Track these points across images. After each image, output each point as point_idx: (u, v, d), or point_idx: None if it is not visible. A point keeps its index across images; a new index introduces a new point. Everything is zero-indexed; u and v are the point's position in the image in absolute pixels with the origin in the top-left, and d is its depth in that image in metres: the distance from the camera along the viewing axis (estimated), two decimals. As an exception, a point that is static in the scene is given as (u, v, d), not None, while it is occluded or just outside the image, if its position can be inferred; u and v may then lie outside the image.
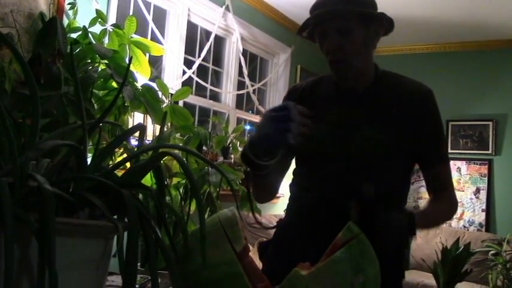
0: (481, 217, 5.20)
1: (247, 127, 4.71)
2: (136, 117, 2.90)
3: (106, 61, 2.10)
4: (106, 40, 2.32)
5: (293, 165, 1.63)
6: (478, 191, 5.25)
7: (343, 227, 0.98)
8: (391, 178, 1.43)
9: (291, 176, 1.61)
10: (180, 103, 3.67)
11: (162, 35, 3.64)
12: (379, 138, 1.40)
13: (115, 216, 0.68)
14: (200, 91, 4.18)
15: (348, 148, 1.41)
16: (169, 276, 0.69)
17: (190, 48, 4.02)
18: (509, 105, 5.18)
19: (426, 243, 5.04)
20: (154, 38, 3.46)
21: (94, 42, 2.26)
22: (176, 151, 0.92)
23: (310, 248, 1.10)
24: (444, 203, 1.53)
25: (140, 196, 0.84)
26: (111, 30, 2.29)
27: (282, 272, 0.93)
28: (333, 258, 0.89)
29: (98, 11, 2.40)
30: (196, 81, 3.97)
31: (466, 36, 5.19)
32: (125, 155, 1.87)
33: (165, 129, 2.69)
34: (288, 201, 1.61)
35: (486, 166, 5.24)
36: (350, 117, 1.44)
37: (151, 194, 0.68)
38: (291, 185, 1.59)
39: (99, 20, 2.36)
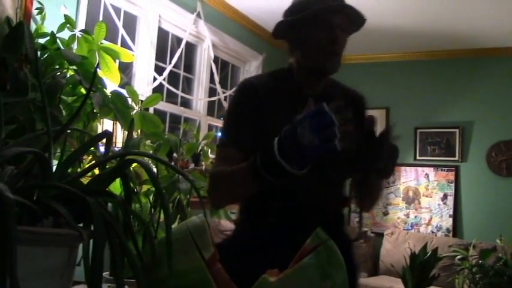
0: (448, 222, 5.30)
1: (219, 134, 4.71)
2: (106, 124, 2.87)
3: (75, 67, 2.07)
4: (75, 46, 2.29)
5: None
6: (445, 197, 5.36)
7: (307, 228, 0.99)
8: (339, 173, 1.53)
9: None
10: (151, 110, 3.64)
11: (133, 41, 3.62)
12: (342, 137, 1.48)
13: (80, 225, 0.67)
14: (171, 98, 4.16)
15: None
16: (136, 285, 0.68)
17: (161, 54, 4.00)
18: (475, 113, 5.31)
19: (395, 248, 5.11)
20: (124, 44, 3.44)
21: (62, 47, 2.22)
22: (144, 158, 0.92)
23: (277, 254, 1.11)
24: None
25: (111, 204, 0.84)
26: (80, 36, 2.26)
27: (249, 278, 0.94)
28: (301, 265, 0.90)
29: (66, 17, 2.37)
30: (167, 88, 3.95)
31: (434, 46, 5.30)
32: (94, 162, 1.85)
33: (135, 136, 2.67)
34: (245, 204, 1.57)
35: (453, 172, 5.35)
36: None
37: (118, 202, 0.67)
38: None
39: (68, 25, 2.33)
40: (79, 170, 1.63)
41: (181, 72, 4.31)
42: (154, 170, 2.39)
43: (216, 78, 4.43)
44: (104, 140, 0.89)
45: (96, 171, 0.86)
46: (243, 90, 1.55)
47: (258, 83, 1.56)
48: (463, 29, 4.75)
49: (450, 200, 5.32)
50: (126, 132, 2.80)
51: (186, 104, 4.39)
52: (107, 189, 0.76)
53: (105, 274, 1.36)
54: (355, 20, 1.54)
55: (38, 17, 2.51)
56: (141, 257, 0.70)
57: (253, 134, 1.46)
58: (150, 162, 1.47)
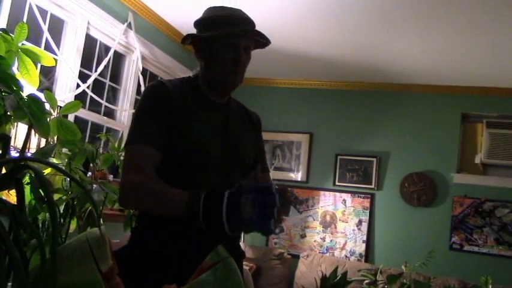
0: (361, 248, 5.48)
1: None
2: (21, 128, 2.76)
3: (-11, 66, 1.98)
4: (-8, 45, 2.20)
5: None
6: (360, 222, 5.54)
7: (209, 242, 1.01)
8: (247, 176, 1.57)
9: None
10: (72, 117, 3.54)
11: (58, 45, 3.51)
12: (246, 142, 1.65)
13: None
14: (95, 106, 4.07)
15: (232, 150, 1.58)
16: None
17: (87, 62, 3.91)
18: (391, 144, 5.57)
19: (309, 271, 5.22)
20: (48, 48, 3.33)
21: (-22, 45, 2.13)
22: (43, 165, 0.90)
23: (177, 268, 1.12)
24: None
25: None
26: (-2, 35, 2.17)
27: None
28: (198, 281, 0.91)
29: (-15, 14, 2.27)
30: (91, 97, 3.85)
31: (357, 77, 5.54)
32: None
33: (52, 142, 2.58)
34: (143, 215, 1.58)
35: (369, 200, 5.55)
36: (225, 124, 1.61)
37: (7, 209, 0.65)
38: None
39: (-14, 23, 2.23)
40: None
41: (107, 82, 4.22)
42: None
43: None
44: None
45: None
46: (156, 89, 1.56)
47: (171, 85, 1.60)
48: (384, 63, 5.00)
49: (364, 226, 5.51)
50: (41, 138, 2.70)
51: (110, 114, 4.30)
52: None
53: None
54: (261, 42, 1.63)
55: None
56: (27, 268, 0.68)
57: (165, 134, 1.48)
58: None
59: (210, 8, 1.63)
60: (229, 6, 1.67)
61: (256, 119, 1.75)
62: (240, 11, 1.62)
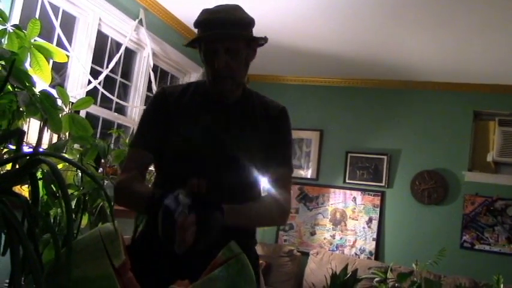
0: (371, 245, 5.46)
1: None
2: (33, 124, 2.78)
3: (3, 62, 2.00)
4: (6, 41, 2.21)
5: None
6: (370, 220, 5.52)
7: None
8: (245, 175, 1.60)
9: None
10: (83, 113, 3.56)
11: (69, 42, 3.53)
12: (243, 143, 1.60)
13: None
14: (106, 103, 4.08)
15: (221, 150, 1.57)
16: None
17: (98, 58, 3.92)
18: (403, 142, 5.54)
19: (319, 268, 5.21)
20: (60, 44, 3.35)
21: (-9, 41, 2.14)
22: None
23: (191, 265, 1.12)
24: (267, 203, 1.62)
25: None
26: (11, 31, 2.19)
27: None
28: (210, 276, 0.91)
29: (-2, 10, 2.28)
30: (102, 93, 3.87)
31: (368, 74, 5.51)
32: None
33: (63, 138, 2.60)
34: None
35: (379, 197, 5.53)
36: (219, 125, 1.61)
37: (21, 202, 0.66)
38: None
39: (-1, 19, 2.25)
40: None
41: (118, 78, 4.24)
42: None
43: (154, 87, 4.39)
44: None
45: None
46: (155, 96, 1.71)
47: (171, 91, 1.69)
48: (396, 60, 4.97)
49: (375, 224, 5.49)
50: (53, 134, 2.72)
51: (120, 110, 4.32)
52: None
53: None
54: (251, 41, 1.60)
55: (-32, 8, 2.40)
56: (41, 261, 0.69)
57: (160, 136, 1.58)
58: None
59: (204, 10, 1.62)
60: (229, 4, 1.63)
61: (274, 113, 1.68)
62: (230, 10, 1.57)
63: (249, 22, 1.59)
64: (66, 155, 2.30)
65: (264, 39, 1.61)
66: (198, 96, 1.66)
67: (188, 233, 1.14)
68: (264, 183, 1.67)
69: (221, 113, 1.63)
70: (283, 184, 1.64)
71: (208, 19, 1.55)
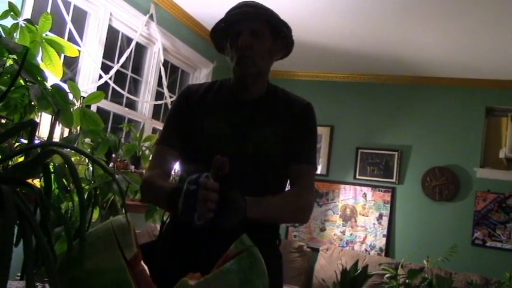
0: (381, 242, 5.44)
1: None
2: (45, 118, 2.79)
3: (15, 56, 2.01)
4: (18, 35, 2.22)
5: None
6: (380, 217, 5.50)
7: (235, 234, 1.00)
8: (268, 172, 1.59)
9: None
10: (94, 108, 3.57)
11: (81, 36, 3.54)
12: (266, 139, 1.59)
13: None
14: (117, 98, 4.10)
15: (244, 147, 1.56)
16: (49, 283, 0.66)
17: (109, 53, 3.93)
18: (413, 138, 5.51)
19: (329, 264, 5.20)
20: (71, 39, 3.36)
21: (3, 35, 2.15)
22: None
23: (203, 258, 1.12)
24: (288, 198, 1.61)
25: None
26: (23, 25, 2.19)
27: (171, 281, 0.93)
28: (222, 269, 0.90)
29: (10, 4, 2.29)
30: (113, 88, 3.88)
31: (379, 69, 5.48)
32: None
33: (74, 132, 2.60)
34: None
35: (390, 194, 5.50)
36: (244, 121, 1.61)
37: (35, 193, 0.66)
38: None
39: (11, 13, 2.25)
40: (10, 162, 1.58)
41: (129, 73, 4.25)
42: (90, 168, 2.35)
43: (164, 82, 4.40)
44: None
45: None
46: (180, 94, 1.73)
47: (196, 88, 1.71)
48: (407, 56, 4.94)
49: (385, 220, 5.47)
50: (64, 129, 2.72)
51: (131, 105, 4.33)
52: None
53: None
54: (273, 22, 1.61)
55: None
56: (54, 252, 0.69)
57: (184, 134, 1.61)
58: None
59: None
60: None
61: (299, 110, 1.67)
62: (258, 4, 1.61)
63: (276, 14, 1.62)
64: (77, 149, 2.30)
65: (287, 28, 1.62)
66: (223, 93, 1.66)
67: (209, 202, 1.21)
68: (288, 179, 1.65)
69: (246, 110, 1.63)
70: (307, 181, 1.62)
71: (233, 8, 1.60)
